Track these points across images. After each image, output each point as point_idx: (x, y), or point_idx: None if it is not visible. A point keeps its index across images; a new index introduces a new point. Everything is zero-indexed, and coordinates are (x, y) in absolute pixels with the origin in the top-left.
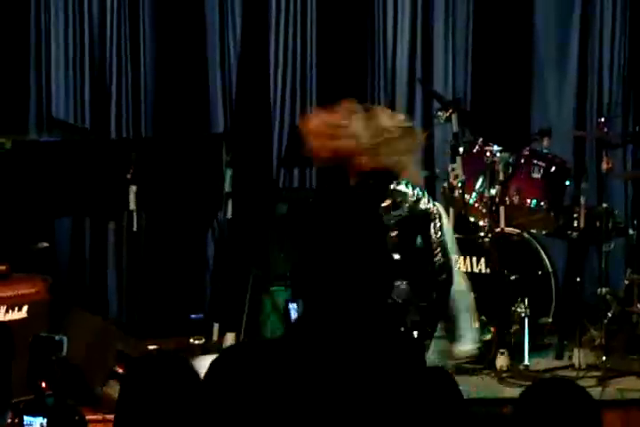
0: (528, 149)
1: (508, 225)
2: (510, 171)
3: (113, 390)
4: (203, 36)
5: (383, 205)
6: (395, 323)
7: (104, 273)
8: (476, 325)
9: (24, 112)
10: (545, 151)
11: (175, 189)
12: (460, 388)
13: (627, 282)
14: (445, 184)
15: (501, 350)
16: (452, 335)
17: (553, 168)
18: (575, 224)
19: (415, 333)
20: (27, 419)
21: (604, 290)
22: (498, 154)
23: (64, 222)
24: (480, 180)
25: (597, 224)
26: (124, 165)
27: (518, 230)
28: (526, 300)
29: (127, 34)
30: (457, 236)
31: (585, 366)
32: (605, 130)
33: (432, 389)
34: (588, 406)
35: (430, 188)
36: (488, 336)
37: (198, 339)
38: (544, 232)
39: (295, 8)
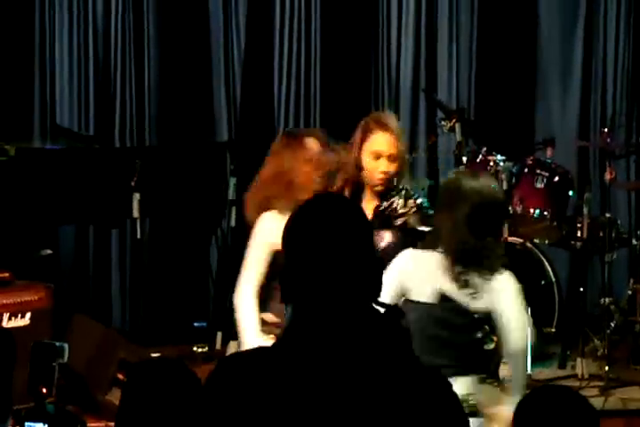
0: (532, 158)
1: (511, 234)
2: (514, 180)
3: (115, 397)
4: (207, 45)
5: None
6: (388, 324)
7: (107, 281)
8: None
9: (28, 119)
10: (548, 161)
11: (179, 196)
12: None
13: (630, 292)
14: None
15: (504, 360)
16: (503, 387)
17: (556, 178)
18: (578, 234)
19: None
20: (28, 425)
21: (607, 300)
22: (501, 163)
23: (67, 230)
24: None
25: (600, 234)
26: (128, 173)
27: (521, 240)
28: (529, 309)
29: (131, 42)
30: None
31: (588, 375)
32: (609, 140)
33: (426, 390)
34: (587, 412)
35: (434, 197)
36: (492, 346)
37: (202, 347)
38: (547, 242)
39: (299, 16)
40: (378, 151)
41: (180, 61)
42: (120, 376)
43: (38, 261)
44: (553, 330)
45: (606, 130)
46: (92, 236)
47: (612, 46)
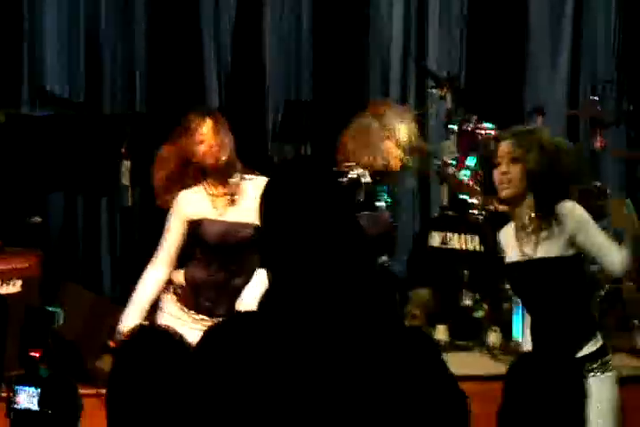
0: None
1: (501, 203)
2: None
3: (107, 364)
4: (196, 9)
5: None
6: (372, 285)
7: (97, 248)
8: None
9: (17, 86)
10: None
11: None
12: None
13: None
14: (439, 161)
15: (493, 328)
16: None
17: None
18: None
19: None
20: (19, 390)
21: (595, 268)
22: (492, 132)
23: (57, 197)
24: (474, 157)
25: (590, 202)
26: (118, 141)
27: None
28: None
29: (122, 7)
30: (451, 213)
31: None
32: (598, 108)
33: (410, 349)
34: (573, 375)
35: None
36: (481, 313)
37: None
38: None
39: None
40: None
41: (170, 27)
42: (111, 344)
43: (28, 228)
44: None
45: (596, 98)
46: (81, 204)
47: (602, 14)
